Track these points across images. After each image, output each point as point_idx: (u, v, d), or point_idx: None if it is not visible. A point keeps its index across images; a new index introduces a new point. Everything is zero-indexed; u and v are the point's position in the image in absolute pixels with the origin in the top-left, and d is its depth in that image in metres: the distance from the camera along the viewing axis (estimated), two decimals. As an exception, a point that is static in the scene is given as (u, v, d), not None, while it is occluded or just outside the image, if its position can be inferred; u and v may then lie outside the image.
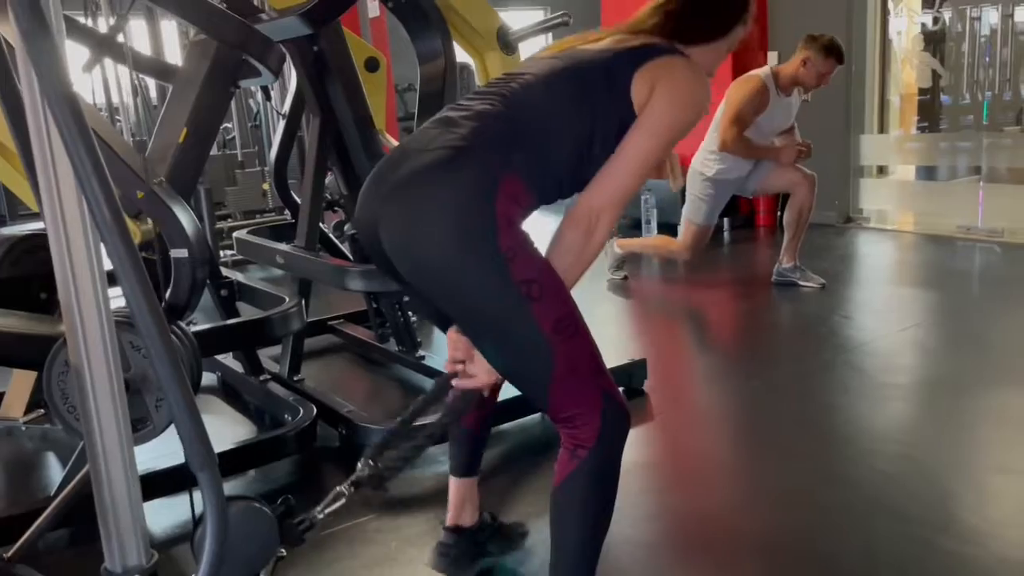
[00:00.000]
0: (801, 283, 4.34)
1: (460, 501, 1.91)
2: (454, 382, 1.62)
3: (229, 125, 7.01)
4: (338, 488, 1.56)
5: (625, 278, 4.70)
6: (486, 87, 1.55)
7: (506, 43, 2.80)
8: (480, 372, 1.54)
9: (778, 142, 4.34)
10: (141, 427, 2.05)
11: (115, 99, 7.45)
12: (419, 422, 1.70)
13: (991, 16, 6.30)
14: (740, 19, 1.64)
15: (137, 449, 1.82)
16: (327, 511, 1.56)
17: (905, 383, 3.13)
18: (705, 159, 4.27)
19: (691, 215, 4.36)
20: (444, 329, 1.67)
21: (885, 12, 6.23)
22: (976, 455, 2.47)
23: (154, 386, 2.07)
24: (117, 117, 7.77)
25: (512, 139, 1.41)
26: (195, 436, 1.21)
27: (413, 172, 1.40)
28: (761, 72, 4.14)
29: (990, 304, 4.05)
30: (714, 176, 4.24)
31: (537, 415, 2.77)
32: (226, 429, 2.93)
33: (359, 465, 1.59)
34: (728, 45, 1.65)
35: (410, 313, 3.53)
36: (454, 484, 1.91)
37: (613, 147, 1.47)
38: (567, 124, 1.45)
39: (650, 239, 4.81)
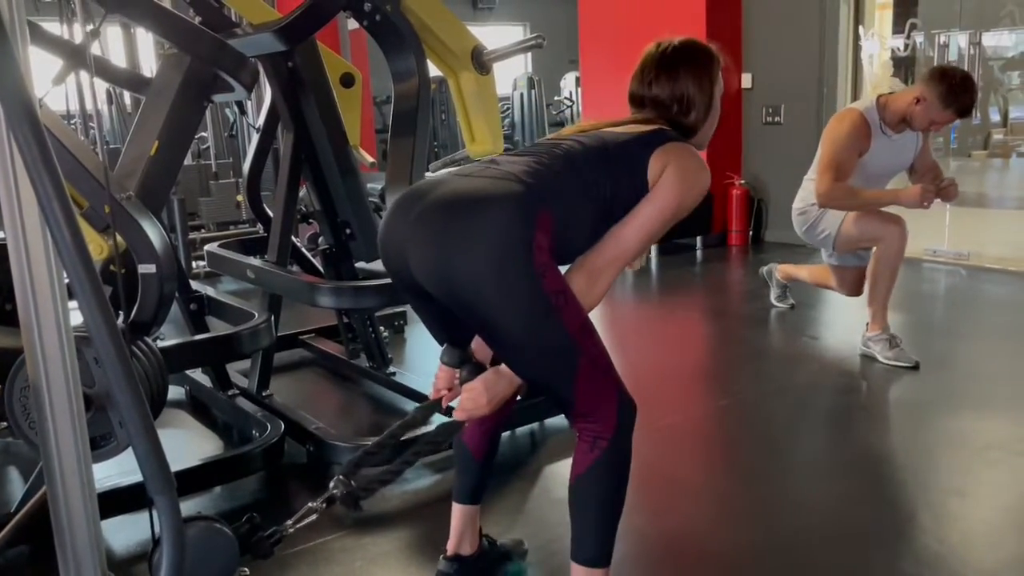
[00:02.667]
0: (884, 359, 3.45)
1: (461, 529, 1.92)
2: (455, 414, 1.65)
3: (204, 134, 6.98)
4: (310, 504, 1.58)
5: (792, 307, 4.29)
6: (530, 148, 1.70)
7: (480, 63, 2.82)
8: (469, 404, 1.62)
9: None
10: (104, 443, 2.03)
11: (89, 106, 7.40)
12: (396, 444, 1.72)
13: (960, 41, 6.42)
14: (713, 92, 1.80)
15: (101, 464, 1.82)
16: (297, 526, 1.57)
17: (870, 406, 3.17)
18: (808, 197, 3.62)
19: (845, 238, 3.58)
20: (442, 341, 1.72)
21: (857, 37, 6.34)
22: (936, 478, 2.51)
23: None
24: (91, 124, 7.73)
25: (555, 189, 1.57)
26: (153, 460, 1.21)
27: (458, 193, 1.54)
28: (860, 105, 3.44)
29: (954, 327, 4.12)
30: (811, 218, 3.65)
31: (506, 433, 2.79)
32: (193, 444, 2.91)
33: (332, 483, 1.60)
34: (715, 110, 1.81)
35: (381, 328, 3.53)
36: (457, 511, 1.92)
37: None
38: (597, 189, 1.60)
39: (816, 268, 4.06)
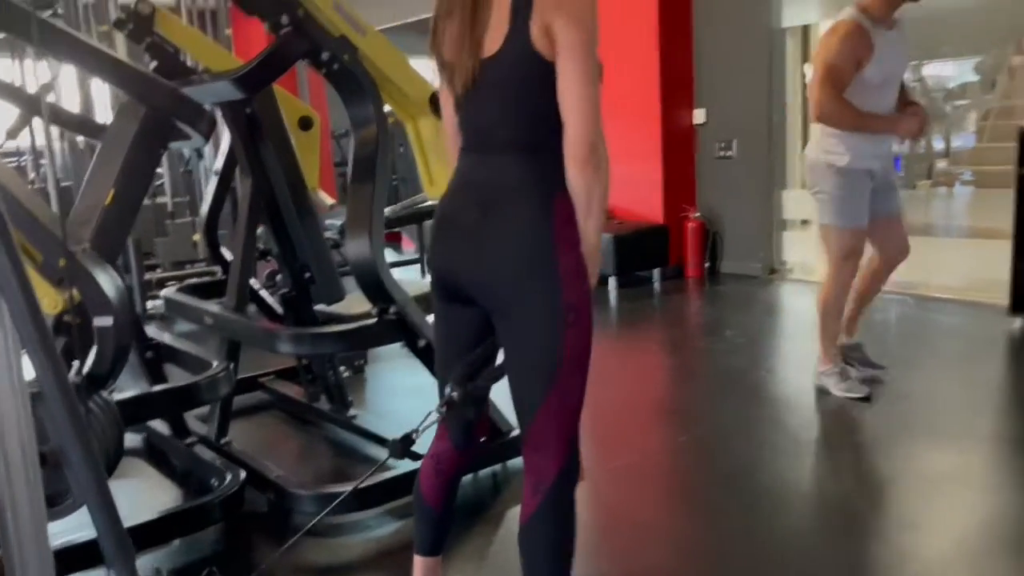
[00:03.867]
0: (837, 391, 3.47)
1: None
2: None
3: (160, 170, 6.91)
4: (433, 410, 1.64)
5: (867, 397, 3.45)
6: (476, 128, 1.63)
7: (438, 109, 2.85)
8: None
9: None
10: (60, 501, 2.00)
11: (40, 142, 7.29)
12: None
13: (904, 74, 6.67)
14: None
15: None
16: (423, 428, 1.63)
17: (825, 439, 3.24)
18: (827, 144, 3.26)
19: (833, 218, 3.31)
20: (446, 374, 1.72)
21: (804, 74, 6.52)
22: (891, 512, 2.57)
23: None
24: (42, 161, 7.60)
25: (537, 167, 1.55)
26: (108, 527, 1.19)
27: (483, 219, 1.57)
28: (846, 15, 3.15)
29: (905, 358, 4.21)
30: (848, 166, 3.22)
31: (468, 476, 2.79)
32: (150, 495, 2.86)
33: (448, 389, 1.65)
34: None
35: (341, 368, 3.51)
36: (418, 564, 1.90)
37: None
38: (547, 116, 1.52)
39: (818, 320, 3.58)
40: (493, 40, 1.53)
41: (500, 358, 1.70)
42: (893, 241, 3.42)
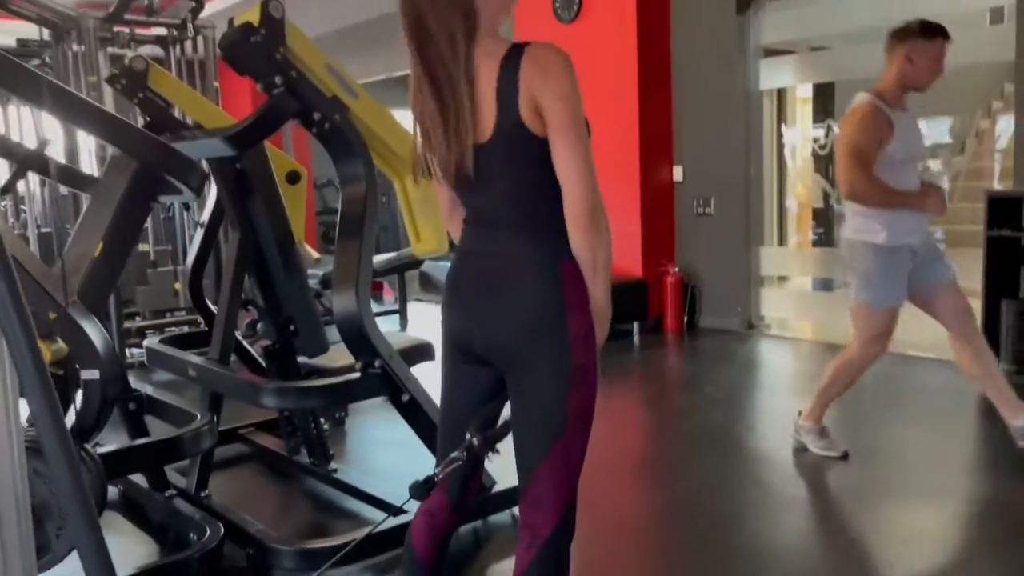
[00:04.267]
0: (814, 448, 3.53)
1: None
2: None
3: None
4: (452, 455, 1.66)
5: (845, 455, 3.47)
6: (479, 205, 1.68)
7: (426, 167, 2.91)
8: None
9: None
10: (40, 556, 1.98)
11: (22, 189, 7.29)
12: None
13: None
14: None
15: None
16: (444, 472, 1.66)
17: (804, 497, 3.27)
18: (858, 223, 3.24)
19: (866, 297, 3.26)
20: (446, 437, 1.77)
21: (780, 134, 6.70)
22: (866, 569, 2.59)
23: (55, 514, 2.01)
24: (22, 207, 7.59)
25: (542, 237, 1.60)
26: None
27: (495, 288, 1.63)
28: (860, 99, 3.22)
29: (880, 416, 4.27)
30: (886, 243, 3.17)
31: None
32: (127, 550, 2.83)
33: (468, 435, 1.68)
34: None
35: (322, 421, 3.51)
36: None
37: None
38: (547, 187, 1.57)
39: (828, 372, 3.51)
40: (483, 127, 1.57)
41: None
42: (950, 308, 3.31)
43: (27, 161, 2.37)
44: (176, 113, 3.62)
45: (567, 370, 1.60)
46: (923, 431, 3.93)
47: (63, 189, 7.00)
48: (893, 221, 3.16)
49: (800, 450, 3.58)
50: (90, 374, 2.20)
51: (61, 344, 2.27)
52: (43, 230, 7.57)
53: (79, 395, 2.40)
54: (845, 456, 3.46)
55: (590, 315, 1.62)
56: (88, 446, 2.22)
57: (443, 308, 1.77)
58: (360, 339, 2.60)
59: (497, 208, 1.65)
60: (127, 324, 5.59)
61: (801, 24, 6.21)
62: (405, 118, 2.90)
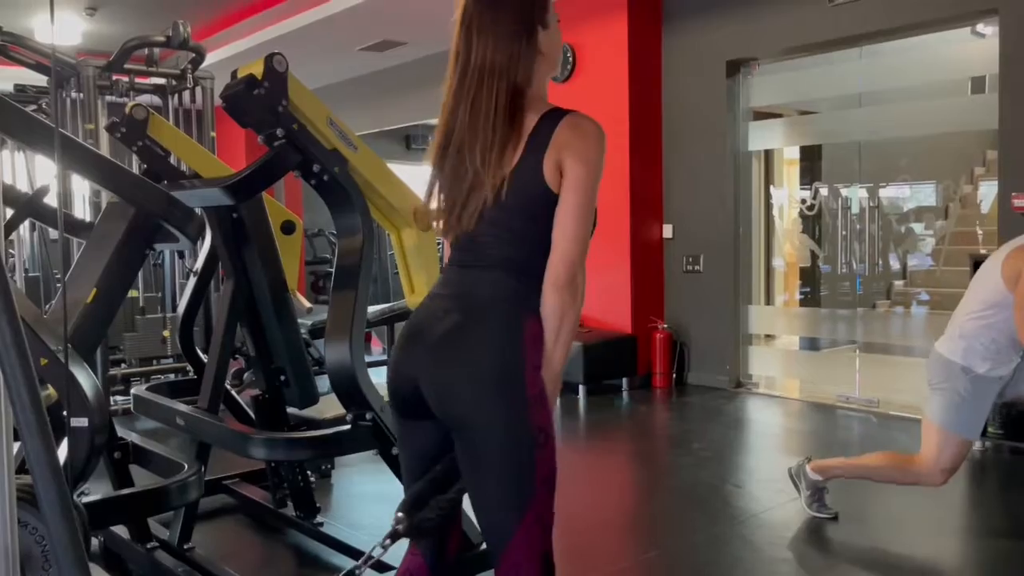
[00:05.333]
0: (805, 503, 3.51)
1: None
2: None
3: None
4: (376, 543, 1.62)
5: (835, 516, 3.46)
6: (464, 253, 1.69)
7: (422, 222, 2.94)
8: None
9: None
10: (18, 609, 1.94)
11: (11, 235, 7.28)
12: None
13: (861, 195, 6.97)
14: (540, 18, 1.66)
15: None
16: (366, 565, 1.64)
17: (793, 558, 3.24)
18: (968, 348, 3.03)
19: (947, 421, 3.06)
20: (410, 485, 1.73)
21: (768, 193, 6.80)
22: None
23: (38, 565, 1.97)
24: (11, 251, 7.57)
25: (520, 284, 1.61)
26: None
27: (455, 330, 1.60)
28: None
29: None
30: (986, 373, 3.02)
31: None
32: (106, 603, 2.77)
33: (394, 519, 1.62)
34: (551, 32, 1.69)
35: (308, 473, 3.47)
36: None
37: None
38: (539, 242, 1.61)
39: (875, 460, 3.37)
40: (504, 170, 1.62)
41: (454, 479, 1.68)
42: None
43: (26, 207, 2.38)
44: (173, 161, 3.65)
45: (528, 432, 1.55)
46: (912, 494, 3.91)
47: (53, 234, 7.00)
48: (1003, 352, 3.02)
49: (791, 511, 3.55)
50: (79, 422, 2.18)
51: (51, 391, 2.25)
52: (31, 274, 7.55)
53: (64, 444, 2.37)
54: (835, 517, 3.44)
55: (543, 384, 1.59)
56: (74, 496, 2.19)
57: (393, 355, 1.72)
58: (352, 390, 2.58)
59: (484, 248, 1.65)
60: (113, 371, 5.54)
61: (789, 88, 6.36)
62: (395, 169, 2.95)
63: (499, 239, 1.65)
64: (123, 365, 5.83)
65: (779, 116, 6.72)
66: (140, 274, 6.42)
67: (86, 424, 2.17)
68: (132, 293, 6.25)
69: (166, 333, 5.73)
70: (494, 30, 1.62)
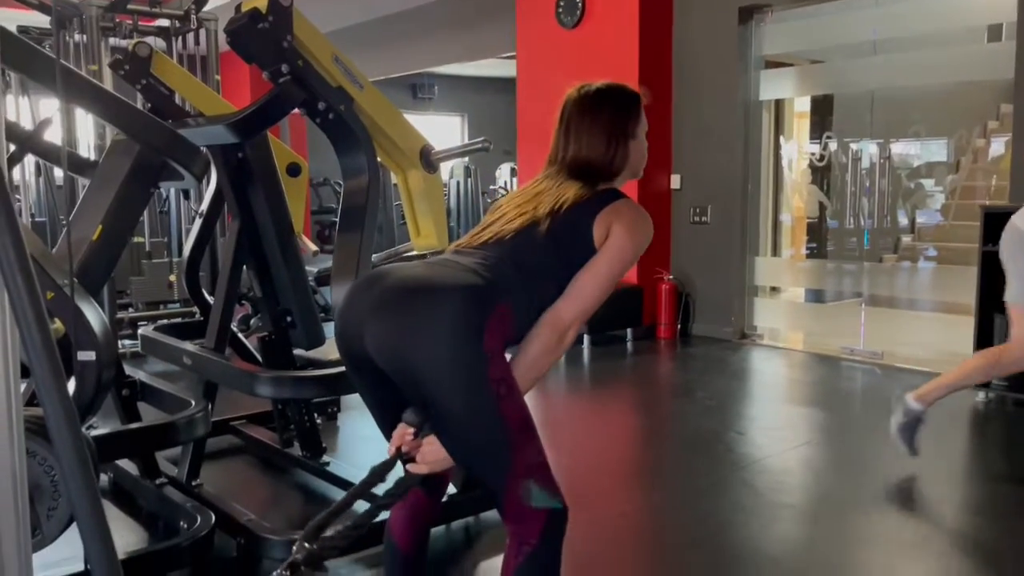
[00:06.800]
0: (894, 427, 3.44)
1: None
2: (408, 467, 1.67)
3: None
4: (275, 573, 1.55)
5: (916, 453, 3.41)
6: (481, 244, 1.74)
7: (428, 162, 2.92)
8: (431, 456, 1.64)
9: None
10: (31, 537, 1.97)
11: (17, 177, 7.27)
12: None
13: (871, 150, 6.90)
14: (631, 130, 1.83)
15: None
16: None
17: (794, 503, 3.27)
18: None
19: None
20: (387, 431, 1.73)
21: (777, 145, 6.73)
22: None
23: (47, 495, 2.00)
24: (17, 196, 7.56)
25: (515, 283, 1.65)
26: (103, 555, 1.19)
27: (420, 278, 1.62)
28: None
29: (870, 425, 4.28)
30: None
31: (440, 528, 2.79)
32: (116, 536, 2.80)
33: (294, 548, 1.58)
34: (639, 143, 1.85)
35: (316, 415, 3.50)
36: None
37: None
38: (554, 276, 1.70)
39: (968, 365, 3.42)
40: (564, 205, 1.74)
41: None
42: None
43: (26, 142, 2.36)
44: (178, 101, 3.61)
45: (489, 386, 1.54)
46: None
47: (58, 178, 6.98)
48: None
49: (794, 456, 3.58)
50: (86, 355, 2.19)
51: (58, 324, 2.26)
52: (38, 219, 7.56)
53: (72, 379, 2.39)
54: (915, 454, 3.37)
55: (501, 343, 1.60)
56: (81, 427, 2.21)
57: (342, 304, 1.69)
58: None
59: (498, 255, 1.69)
60: (120, 315, 5.56)
61: (802, 36, 6.26)
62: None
63: (517, 260, 1.70)
64: (130, 309, 5.86)
65: (790, 66, 6.62)
66: (146, 219, 6.42)
67: (93, 358, 2.18)
68: (138, 238, 6.26)
69: (172, 278, 5.75)
70: (589, 133, 1.79)
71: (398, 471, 1.71)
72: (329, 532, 1.59)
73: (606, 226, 1.70)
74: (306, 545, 1.56)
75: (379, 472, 1.74)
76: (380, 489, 1.70)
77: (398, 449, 1.69)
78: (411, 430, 1.67)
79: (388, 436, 1.74)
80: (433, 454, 1.63)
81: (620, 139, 1.80)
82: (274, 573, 1.54)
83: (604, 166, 1.79)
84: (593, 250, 1.70)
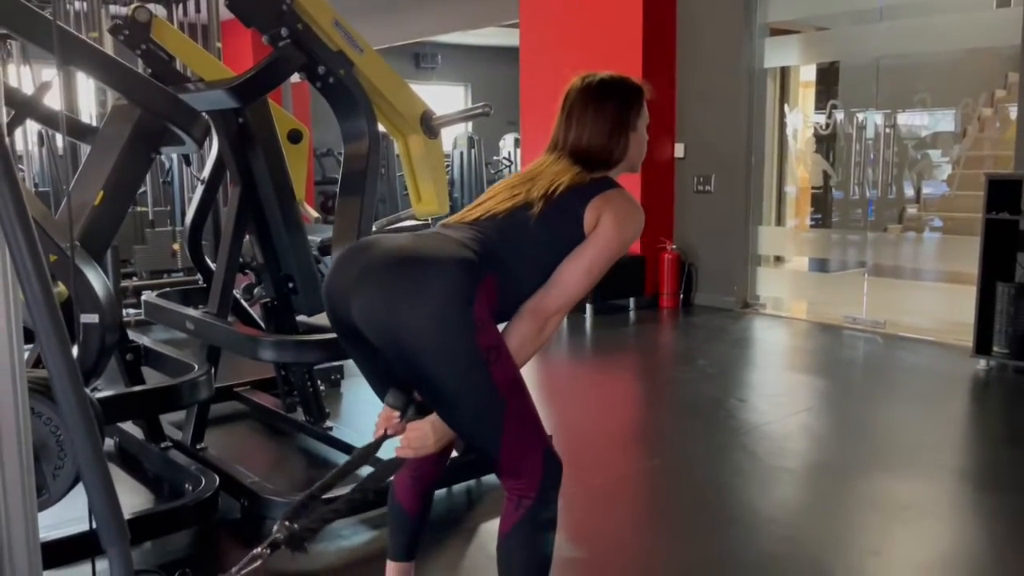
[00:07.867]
0: None
1: None
2: (396, 451, 1.68)
3: (140, 180, 6.89)
4: (255, 551, 1.57)
5: None
6: (474, 221, 1.74)
7: (429, 127, 2.91)
8: (416, 442, 1.65)
9: None
10: (37, 496, 2.00)
11: (20, 147, 7.27)
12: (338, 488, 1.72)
13: (876, 120, 6.85)
14: (632, 123, 1.84)
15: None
16: (242, 573, 1.55)
17: (793, 467, 3.30)
18: None
19: None
20: (383, 396, 1.74)
21: (782, 114, 6.69)
22: (854, 539, 2.62)
23: (52, 454, 2.02)
24: (20, 166, 7.56)
25: (500, 255, 1.66)
26: (108, 511, 1.22)
27: (407, 248, 1.62)
28: None
29: (871, 393, 4.31)
30: None
31: (443, 490, 2.82)
32: (122, 498, 2.84)
33: (275, 527, 1.60)
34: (639, 135, 1.86)
35: (319, 382, 3.52)
36: (391, 569, 1.92)
37: None
38: (540, 258, 1.71)
39: None
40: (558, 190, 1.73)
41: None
42: None
43: (26, 107, 2.36)
44: (178, 67, 3.60)
45: (476, 353, 1.54)
46: (913, 408, 3.97)
47: (60, 147, 6.98)
48: None
49: (793, 419, 3.60)
50: (89, 318, 2.21)
51: (61, 287, 2.28)
52: (41, 189, 7.56)
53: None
54: None
55: (489, 312, 1.59)
56: (86, 390, 2.23)
57: (331, 270, 1.70)
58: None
59: (487, 232, 1.69)
60: (124, 283, 5.59)
61: (808, 2, 6.19)
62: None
63: (505, 239, 1.70)
64: (134, 278, 5.88)
65: (796, 33, 6.55)
66: (149, 188, 6.43)
67: (96, 320, 2.20)
68: (141, 208, 6.27)
69: (176, 246, 5.76)
70: (593, 122, 1.79)
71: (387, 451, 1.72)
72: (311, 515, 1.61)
73: (597, 213, 1.71)
74: (287, 524, 1.60)
75: (364, 454, 1.77)
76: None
77: (384, 432, 1.71)
78: (396, 413, 1.69)
79: (379, 395, 1.76)
80: (419, 440, 1.65)
81: (622, 130, 1.81)
82: (254, 551, 1.56)
83: (605, 156, 1.81)
84: (582, 236, 1.71)
